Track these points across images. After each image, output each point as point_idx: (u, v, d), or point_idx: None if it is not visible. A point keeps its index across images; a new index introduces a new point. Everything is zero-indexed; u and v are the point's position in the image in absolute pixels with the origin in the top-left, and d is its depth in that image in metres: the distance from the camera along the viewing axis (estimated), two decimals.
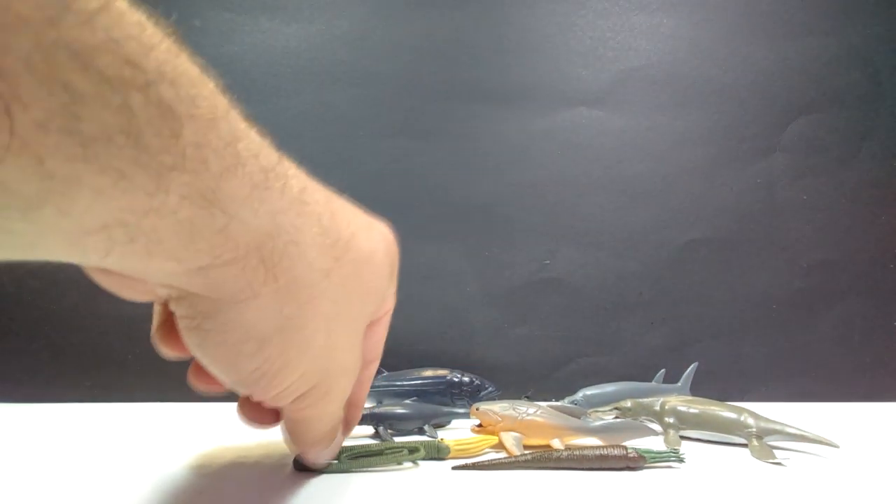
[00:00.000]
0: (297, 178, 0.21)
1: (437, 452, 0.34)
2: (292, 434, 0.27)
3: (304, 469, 0.31)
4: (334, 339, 0.23)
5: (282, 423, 0.27)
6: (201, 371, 0.27)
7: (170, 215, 0.15)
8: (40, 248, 0.15)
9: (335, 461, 0.32)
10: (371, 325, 0.29)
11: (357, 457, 0.32)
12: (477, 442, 0.36)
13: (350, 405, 0.31)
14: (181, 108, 0.15)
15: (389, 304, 0.30)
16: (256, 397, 0.23)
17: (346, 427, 0.31)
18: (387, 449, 0.33)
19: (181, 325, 0.20)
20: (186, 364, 0.29)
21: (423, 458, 0.34)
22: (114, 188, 0.14)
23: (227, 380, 0.22)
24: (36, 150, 0.12)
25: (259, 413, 0.27)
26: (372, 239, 0.26)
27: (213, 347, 0.20)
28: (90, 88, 0.13)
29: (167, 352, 0.26)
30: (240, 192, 0.17)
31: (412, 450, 0.33)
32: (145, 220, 0.15)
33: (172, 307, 0.20)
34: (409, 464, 0.33)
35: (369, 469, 0.32)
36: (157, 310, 0.26)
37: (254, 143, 0.18)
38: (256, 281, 0.19)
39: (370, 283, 0.25)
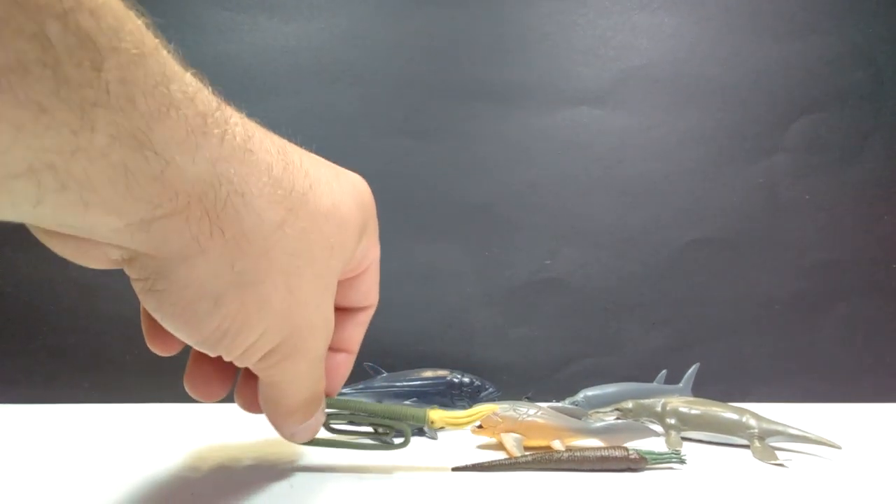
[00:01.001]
0: (241, 126, 0.20)
1: (424, 423, 0.32)
2: (267, 402, 0.26)
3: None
4: (297, 295, 0.22)
5: (258, 390, 0.27)
6: (198, 376, 0.27)
7: (100, 158, 0.15)
8: None
9: (324, 432, 0.31)
10: (355, 278, 0.28)
11: (339, 417, 0.31)
12: (467, 416, 0.33)
13: (344, 350, 0.31)
14: (102, 39, 0.14)
15: (371, 255, 0.29)
16: (225, 357, 0.22)
17: (338, 374, 0.30)
18: (371, 417, 0.32)
19: (137, 288, 0.20)
20: (184, 366, 0.29)
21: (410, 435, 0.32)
22: (35, 123, 0.13)
23: (191, 340, 0.21)
24: None
25: (207, 381, 0.27)
26: (335, 191, 0.25)
27: (170, 308, 0.20)
28: (1, 13, 0.12)
29: (155, 347, 0.26)
30: (174, 136, 0.17)
31: (399, 430, 0.32)
32: (74, 163, 0.15)
33: (127, 271, 0.20)
34: (399, 440, 0.32)
35: (356, 446, 0.31)
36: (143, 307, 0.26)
37: (189, 87, 0.17)
38: (202, 234, 0.18)
39: (333, 238, 0.24)
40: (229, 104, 0.20)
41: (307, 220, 0.22)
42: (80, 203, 0.15)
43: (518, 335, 0.59)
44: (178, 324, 0.20)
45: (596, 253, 0.60)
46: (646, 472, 0.33)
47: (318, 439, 0.31)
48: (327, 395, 0.31)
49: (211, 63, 0.56)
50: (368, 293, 0.30)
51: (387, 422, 0.32)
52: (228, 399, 0.59)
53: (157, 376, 0.55)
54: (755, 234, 0.61)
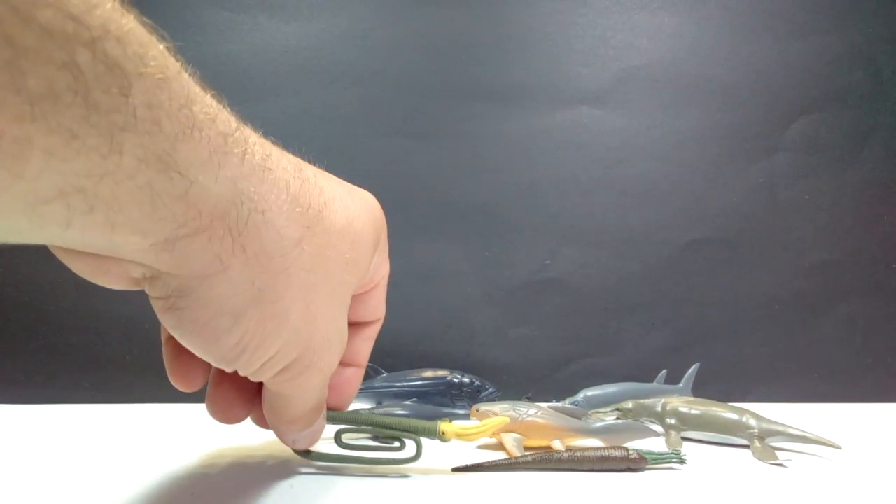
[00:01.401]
0: (259, 146, 0.20)
1: (435, 437, 0.32)
2: (272, 409, 0.27)
3: (301, 452, 0.31)
4: (313, 311, 0.23)
5: (263, 396, 0.27)
6: (219, 400, 0.27)
7: (127, 180, 0.15)
8: None
9: (334, 448, 0.31)
10: (365, 293, 0.29)
11: (349, 430, 0.31)
12: (478, 430, 0.34)
13: (353, 364, 0.31)
14: (129, 65, 0.14)
15: (383, 271, 0.30)
16: (242, 372, 0.23)
17: (348, 388, 0.31)
18: (382, 430, 0.32)
19: (157, 307, 0.20)
20: None
21: (422, 447, 0.32)
22: (66, 148, 0.14)
23: (210, 357, 0.22)
24: None
25: (229, 404, 0.27)
26: (349, 207, 0.25)
27: (190, 325, 0.20)
28: (33, 43, 0.12)
29: (177, 382, 0.26)
30: (198, 156, 0.17)
31: (407, 436, 0.32)
32: (102, 186, 0.15)
33: (147, 290, 0.20)
34: (409, 452, 0.32)
35: (365, 464, 0.31)
36: (164, 340, 0.26)
37: (210, 108, 0.18)
38: (224, 252, 0.19)
39: (349, 254, 0.25)
40: (246, 124, 0.21)
41: (324, 237, 0.23)
42: (107, 224, 0.16)
43: (518, 335, 0.59)
44: (197, 341, 0.21)
45: (596, 253, 0.60)
46: (646, 472, 0.33)
47: (329, 454, 0.31)
48: (338, 410, 0.31)
49: (211, 63, 0.56)
50: (377, 308, 0.31)
51: (397, 434, 0.32)
52: None
53: (157, 376, 0.55)
54: (755, 234, 0.61)
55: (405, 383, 0.47)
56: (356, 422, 0.32)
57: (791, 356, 0.60)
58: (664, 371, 0.51)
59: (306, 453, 0.31)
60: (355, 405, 0.45)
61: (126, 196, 0.16)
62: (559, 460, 0.33)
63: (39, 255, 0.55)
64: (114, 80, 0.14)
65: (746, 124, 0.61)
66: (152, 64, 0.15)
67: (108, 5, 0.14)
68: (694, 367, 0.52)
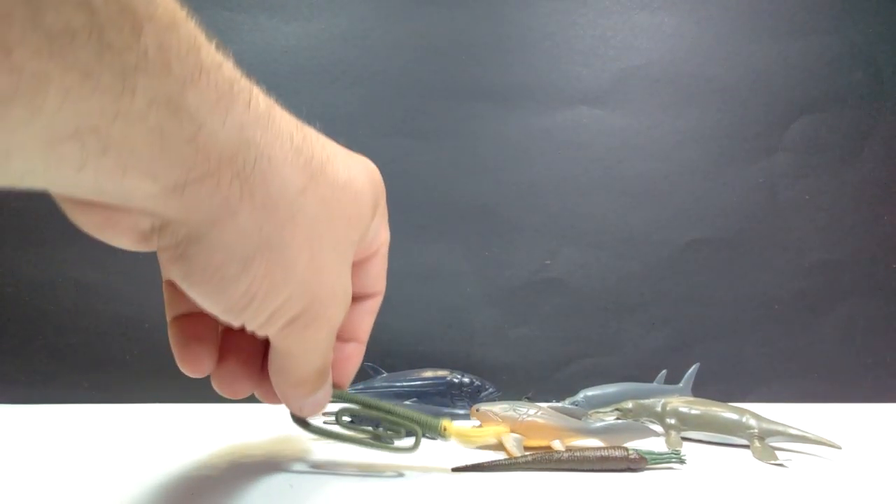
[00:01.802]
0: (263, 97, 0.21)
1: (437, 433, 0.32)
2: (279, 371, 0.27)
3: (301, 423, 0.30)
4: (319, 261, 0.23)
5: (269, 359, 0.27)
6: (225, 374, 0.27)
7: (139, 121, 0.16)
8: (15, 156, 0.15)
9: (333, 423, 0.31)
10: (366, 260, 0.29)
11: (351, 412, 0.31)
12: (480, 434, 0.34)
13: (354, 339, 0.31)
14: (140, 7, 0.15)
15: (382, 237, 0.30)
16: (249, 326, 0.23)
17: (349, 364, 0.31)
18: (386, 415, 0.31)
19: (166, 258, 0.20)
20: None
21: (421, 438, 0.32)
22: (81, 87, 0.14)
23: (218, 308, 0.22)
24: (2, 39, 0.12)
25: (235, 377, 0.27)
26: (350, 166, 0.26)
27: (200, 274, 0.20)
28: None
29: (186, 366, 0.26)
30: (206, 100, 0.17)
31: (410, 430, 0.32)
32: (115, 126, 0.15)
33: (157, 242, 0.20)
34: (407, 442, 0.32)
35: (366, 443, 0.31)
36: (170, 321, 0.26)
37: (216, 55, 0.18)
38: (233, 197, 0.19)
39: (350, 209, 0.25)
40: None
41: (326, 189, 0.23)
42: (118, 167, 0.16)
43: (518, 335, 0.59)
44: (206, 289, 0.21)
45: (596, 253, 0.60)
46: (646, 472, 0.33)
47: (329, 432, 0.31)
48: (338, 387, 0.31)
49: None
50: (377, 279, 0.31)
51: (399, 421, 0.31)
52: (227, 400, 0.59)
53: (157, 376, 0.55)
54: (755, 234, 0.61)
55: (405, 383, 0.47)
56: (361, 403, 0.31)
57: (791, 356, 0.60)
58: (664, 371, 0.51)
59: (305, 425, 0.30)
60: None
61: (138, 138, 0.16)
62: (559, 460, 0.33)
63: (39, 255, 0.55)
64: (126, 20, 0.15)
65: (746, 124, 0.61)
66: (162, 7, 0.16)
67: None
68: (694, 367, 0.52)
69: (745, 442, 0.38)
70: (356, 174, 0.26)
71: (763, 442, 0.37)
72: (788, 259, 0.61)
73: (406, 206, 0.59)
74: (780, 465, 0.35)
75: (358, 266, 0.28)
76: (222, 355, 0.27)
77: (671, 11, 0.61)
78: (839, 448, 0.36)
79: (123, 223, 0.19)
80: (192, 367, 0.26)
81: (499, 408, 0.37)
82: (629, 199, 0.60)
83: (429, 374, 0.48)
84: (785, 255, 0.61)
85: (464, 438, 0.33)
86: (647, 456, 0.33)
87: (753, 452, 0.37)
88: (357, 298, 0.30)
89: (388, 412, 0.31)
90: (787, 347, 0.60)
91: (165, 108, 0.16)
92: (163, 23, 0.16)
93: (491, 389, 0.48)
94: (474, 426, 0.36)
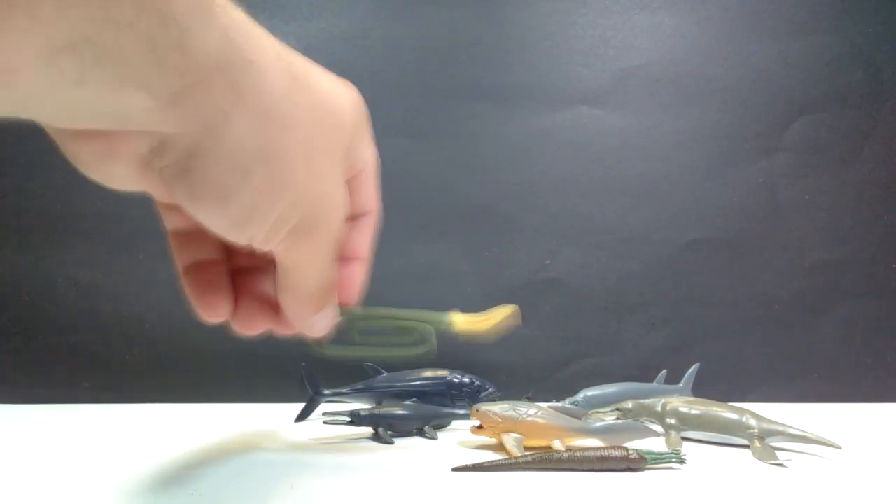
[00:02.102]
0: (240, 9, 0.21)
1: (446, 326, 0.33)
2: (287, 290, 0.27)
3: (320, 348, 0.31)
4: (315, 168, 0.24)
5: (278, 281, 0.27)
6: (243, 313, 0.28)
7: (128, 28, 0.16)
8: (21, 71, 0.15)
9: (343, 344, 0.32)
10: (354, 178, 0.30)
11: (362, 321, 0.32)
12: (487, 318, 0.34)
13: (355, 258, 0.31)
14: None
15: (367, 155, 0.30)
16: (254, 242, 0.23)
17: (353, 282, 0.31)
18: (394, 321, 0.32)
19: (168, 177, 0.21)
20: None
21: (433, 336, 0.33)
22: None
23: (223, 223, 0.22)
24: None
25: (252, 315, 0.28)
26: (329, 79, 0.26)
27: (201, 188, 0.21)
28: None
29: (206, 310, 0.27)
30: (189, 4, 0.18)
31: (420, 325, 0.32)
32: (106, 34, 0.16)
33: (156, 164, 0.21)
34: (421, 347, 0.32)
35: (382, 350, 0.32)
36: (183, 271, 0.27)
37: None
38: (226, 103, 0.20)
39: (335, 118, 0.25)
40: None
41: (310, 95, 0.23)
42: (115, 79, 0.17)
43: (518, 335, 0.59)
44: (210, 203, 0.21)
45: (596, 253, 0.60)
46: (646, 472, 0.33)
47: (346, 348, 0.31)
48: (346, 306, 0.31)
49: None
50: (369, 196, 0.31)
51: (409, 324, 0.32)
52: (227, 400, 0.59)
53: (157, 376, 0.55)
54: (755, 234, 0.61)
55: (405, 383, 0.47)
56: (367, 316, 0.32)
57: (791, 356, 0.60)
58: (664, 371, 0.51)
59: (321, 349, 0.31)
60: (356, 405, 0.45)
61: (129, 46, 0.17)
62: (559, 460, 0.33)
63: (39, 255, 0.55)
64: None
65: (746, 124, 0.61)
66: None
67: None
68: (694, 367, 0.52)
69: (745, 442, 0.38)
70: (335, 86, 0.26)
71: (763, 442, 0.37)
72: (788, 259, 0.61)
73: (406, 206, 0.59)
74: (780, 465, 0.35)
75: (348, 184, 0.29)
76: (237, 298, 0.28)
77: (671, 11, 0.61)
78: (839, 448, 0.36)
79: (123, 149, 0.20)
80: (212, 312, 0.27)
81: (499, 408, 0.37)
82: (629, 199, 0.60)
83: (429, 374, 0.48)
84: (785, 255, 0.61)
85: (472, 326, 0.33)
86: (647, 456, 0.33)
87: (753, 452, 0.37)
88: (352, 218, 0.31)
89: (396, 318, 0.32)
90: (787, 347, 0.60)
91: (152, 14, 0.17)
92: None
93: (491, 389, 0.47)
94: (480, 320, 0.35)
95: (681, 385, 0.51)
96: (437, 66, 0.60)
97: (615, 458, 0.32)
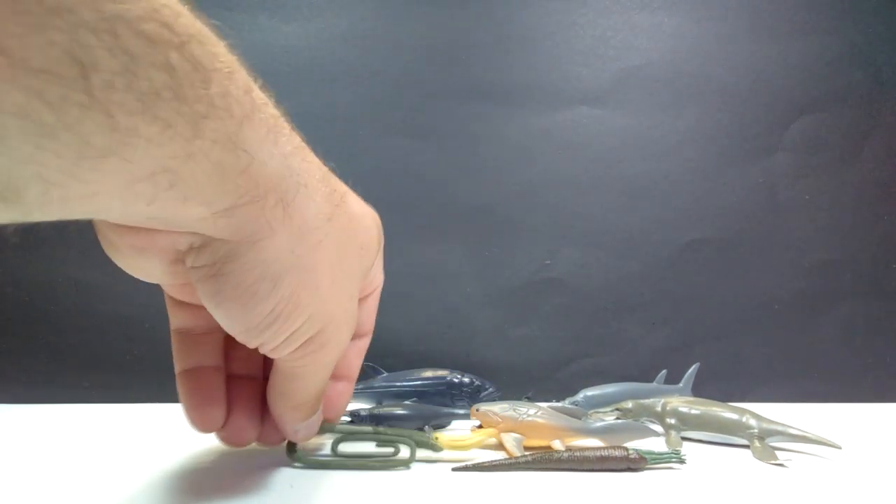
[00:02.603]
0: (295, 132, 0.23)
1: (430, 448, 0.34)
2: (281, 395, 0.28)
3: (294, 453, 0.31)
4: (337, 285, 0.25)
5: (271, 384, 0.28)
6: (233, 428, 0.29)
7: (204, 159, 0.18)
8: (99, 198, 0.16)
9: (329, 455, 0.32)
10: (363, 299, 0.31)
11: (346, 438, 0.32)
12: (472, 439, 0.35)
13: (345, 377, 0.32)
14: (208, 63, 0.17)
15: (379, 278, 0.32)
16: (264, 348, 0.24)
17: (341, 400, 0.32)
18: (378, 435, 0.33)
19: (199, 276, 0.22)
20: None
21: (415, 450, 0.33)
22: (161, 136, 0.16)
23: (241, 327, 0.23)
24: (106, 106, 0.15)
25: (244, 429, 0.29)
26: (360, 202, 0.28)
27: (231, 290, 0.21)
28: (141, 50, 0.15)
29: (200, 423, 0.28)
30: (258, 135, 0.20)
31: (403, 442, 0.33)
32: (185, 166, 0.17)
33: (191, 262, 0.21)
34: (402, 456, 0.33)
35: (360, 468, 0.32)
36: (179, 373, 0.28)
37: (262, 95, 0.21)
38: (275, 219, 0.21)
39: (363, 238, 0.27)
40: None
41: (345, 220, 0.25)
42: (181, 198, 0.18)
43: (518, 335, 0.59)
44: (235, 307, 0.22)
45: (596, 253, 0.60)
46: (646, 472, 0.33)
47: (326, 461, 0.32)
48: (330, 422, 0.32)
49: None
50: (369, 319, 0.33)
51: (391, 438, 0.33)
52: None
53: (157, 376, 0.55)
54: (755, 234, 0.61)
55: (405, 383, 0.47)
56: (350, 432, 0.33)
57: (791, 356, 0.60)
58: (664, 371, 0.51)
59: (292, 453, 0.32)
60: (356, 404, 0.45)
61: (201, 174, 0.18)
62: (559, 460, 0.33)
63: (39, 255, 0.55)
64: (197, 75, 0.17)
65: (746, 124, 0.61)
66: (222, 59, 0.18)
67: (187, 12, 0.17)
68: (694, 367, 0.52)
69: (745, 442, 0.38)
70: (366, 210, 0.28)
71: (763, 442, 0.37)
72: (789, 259, 0.61)
73: (406, 206, 0.59)
74: (780, 465, 0.35)
75: (359, 303, 0.30)
76: (229, 409, 0.29)
77: (671, 11, 0.61)
78: (839, 448, 0.36)
79: (163, 243, 0.21)
80: (206, 424, 0.28)
81: (499, 408, 0.37)
82: (629, 199, 0.60)
83: (429, 374, 0.48)
84: (785, 255, 0.61)
85: (455, 445, 0.34)
86: (647, 456, 0.33)
87: (753, 452, 0.37)
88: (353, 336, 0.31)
89: (378, 433, 0.33)
90: (787, 347, 0.60)
91: (225, 146, 0.18)
92: (224, 73, 0.18)
93: (491, 389, 0.47)
94: (464, 434, 0.37)
95: (681, 385, 0.51)
96: (437, 66, 0.60)
97: (615, 458, 0.32)
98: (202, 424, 0.28)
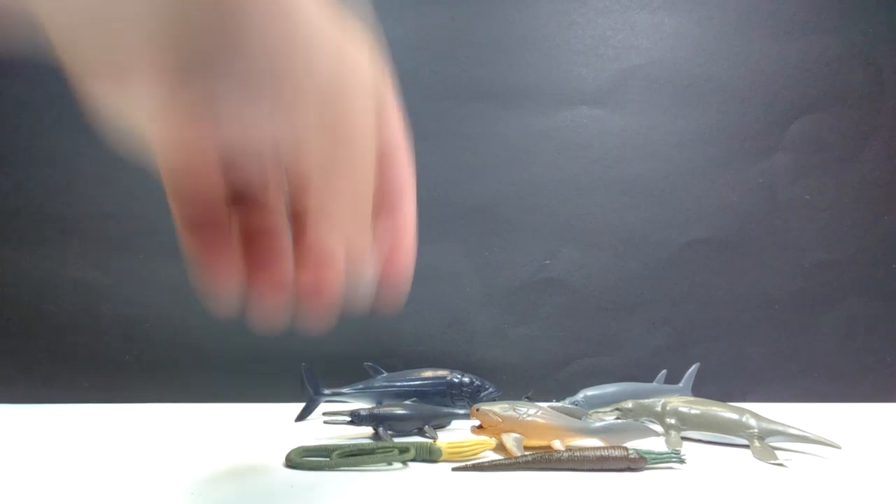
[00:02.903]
0: None
1: (429, 454, 0.34)
2: (318, 210, 0.21)
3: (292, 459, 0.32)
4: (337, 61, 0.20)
5: (304, 208, 0.22)
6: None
7: None
8: None
9: (326, 459, 0.32)
10: (380, 114, 0.25)
11: (348, 455, 0.32)
12: (471, 445, 0.35)
13: (398, 192, 0.25)
14: None
15: (389, 99, 0.25)
16: (284, 141, 0.19)
17: (402, 237, 0.25)
18: (378, 448, 0.33)
19: (185, 75, 0.18)
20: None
21: (414, 460, 0.34)
22: None
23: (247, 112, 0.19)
24: None
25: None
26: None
27: (227, 82, 0.18)
28: None
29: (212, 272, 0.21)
30: None
31: (403, 450, 0.33)
32: None
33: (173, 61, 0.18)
34: (400, 464, 0.33)
35: (359, 468, 0.32)
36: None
37: None
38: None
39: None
40: None
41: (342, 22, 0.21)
42: None
43: (518, 335, 0.59)
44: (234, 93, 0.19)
45: (596, 253, 0.60)
46: (646, 472, 0.33)
47: (319, 462, 0.32)
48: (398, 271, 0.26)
49: None
50: (395, 133, 0.25)
51: (391, 456, 0.33)
52: (227, 400, 0.59)
53: (157, 376, 0.55)
54: (755, 234, 0.61)
55: (405, 383, 0.47)
56: (354, 452, 0.33)
57: (790, 356, 0.60)
58: (664, 371, 0.51)
59: (292, 461, 0.32)
60: (356, 404, 0.45)
61: None
62: (559, 460, 0.33)
63: (39, 255, 0.55)
64: None
65: (746, 124, 0.61)
66: None
67: None
68: (694, 367, 0.52)
69: (745, 442, 0.38)
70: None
71: (763, 442, 0.37)
72: (788, 259, 0.61)
73: None
74: (780, 465, 0.35)
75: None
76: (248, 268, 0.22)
77: (671, 11, 0.61)
78: (839, 448, 0.36)
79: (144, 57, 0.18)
80: (218, 276, 0.21)
81: (499, 408, 0.37)
82: (629, 199, 0.61)
83: (429, 374, 0.48)
84: (785, 255, 0.61)
85: (456, 452, 0.35)
86: (646, 456, 0.33)
87: (753, 452, 0.36)
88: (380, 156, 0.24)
89: (383, 448, 0.34)
90: (786, 347, 0.60)
91: None
92: None
93: (491, 389, 0.47)
94: (463, 439, 0.37)
95: (681, 385, 0.51)
96: (437, 66, 0.60)
97: (615, 458, 0.32)
98: (213, 274, 0.21)
